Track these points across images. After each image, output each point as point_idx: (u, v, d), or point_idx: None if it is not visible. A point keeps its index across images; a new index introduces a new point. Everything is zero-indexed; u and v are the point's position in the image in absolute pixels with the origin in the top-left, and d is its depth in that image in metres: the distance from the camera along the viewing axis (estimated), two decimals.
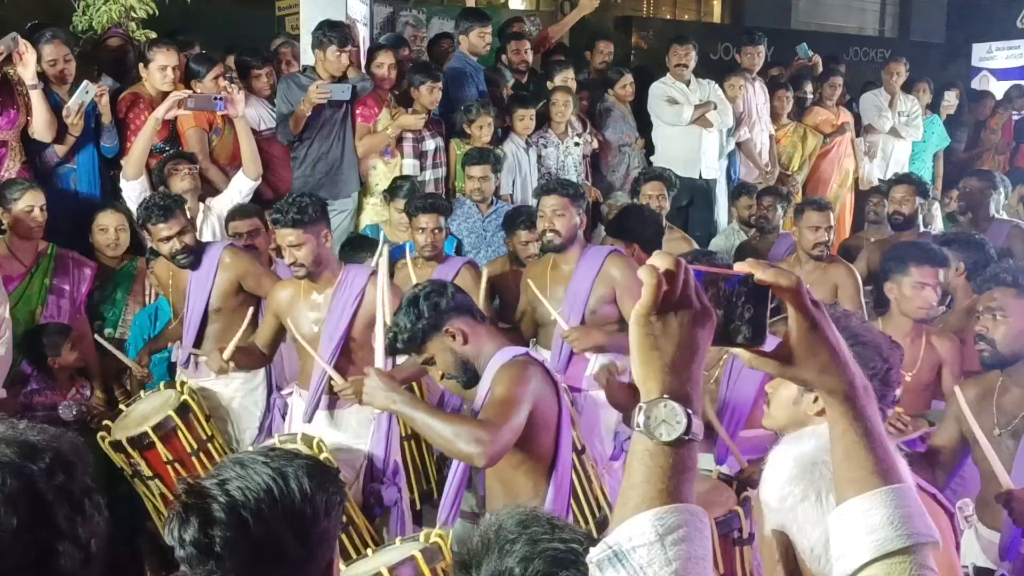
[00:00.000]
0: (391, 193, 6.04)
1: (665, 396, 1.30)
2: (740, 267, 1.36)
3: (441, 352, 3.35)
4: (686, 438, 1.29)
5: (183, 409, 4.56)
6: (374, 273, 4.34)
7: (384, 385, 3.19)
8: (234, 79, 6.03)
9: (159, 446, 4.47)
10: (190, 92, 5.60)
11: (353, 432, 4.43)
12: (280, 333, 4.62)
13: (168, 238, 4.67)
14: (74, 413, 4.83)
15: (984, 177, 6.89)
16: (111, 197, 5.69)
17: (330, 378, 4.28)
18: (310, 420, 4.42)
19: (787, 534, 1.59)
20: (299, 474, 1.92)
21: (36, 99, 5.25)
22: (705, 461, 4.00)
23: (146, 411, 4.64)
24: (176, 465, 4.51)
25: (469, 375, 3.38)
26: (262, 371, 4.93)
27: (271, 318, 4.60)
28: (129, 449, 4.47)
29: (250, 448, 4.04)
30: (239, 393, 4.87)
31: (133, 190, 5.46)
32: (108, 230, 5.40)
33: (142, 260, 5.46)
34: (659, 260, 1.30)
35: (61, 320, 5.12)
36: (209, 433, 4.67)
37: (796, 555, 1.59)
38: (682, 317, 1.30)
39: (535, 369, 3.28)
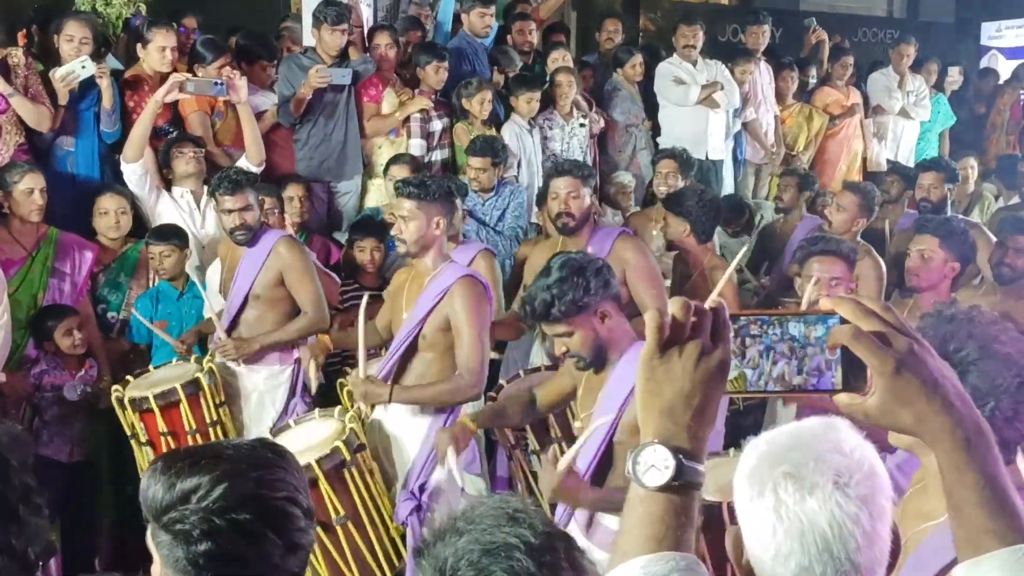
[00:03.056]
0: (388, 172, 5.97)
1: (655, 440, 1.26)
2: (824, 304, 1.27)
3: (585, 331, 3.28)
4: (675, 484, 1.25)
5: (193, 385, 4.55)
6: (466, 276, 4.15)
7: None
8: (240, 65, 5.97)
9: (157, 414, 4.48)
10: (189, 75, 5.53)
11: (400, 430, 4.29)
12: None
13: (230, 211, 4.66)
14: (78, 392, 4.84)
15: None
16: (113, 181, 5.63)
17: (396, 368, 4.23)
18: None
19: (740, 530, 1.54)
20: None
21: (18, 104, 5.19)
22: None
23: (162, 377, 4.67)
24: (169, 438, 4.53)
25: (598, 361, 3.33)
26: (288, 371, 4.89)
27: (387, 300, 4.53)
28: (129, 409, 4.50)
29: (318, 419, 4.14)
30: (260, 387, 4.84)
31: (134, 172, 5.42)
32: (109, 213, 5.35)
33: (144, 244, 5.41)
34: (673, 305, 1.27)
35: (63, 303, 5.08)
36: (215, 418, 4.64)
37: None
38: (686, 361, 1.26)
39: None
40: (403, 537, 4.16)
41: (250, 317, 4.82)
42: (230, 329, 4.82)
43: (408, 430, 4.28)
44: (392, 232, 4.30)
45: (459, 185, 5.10)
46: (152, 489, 1.77)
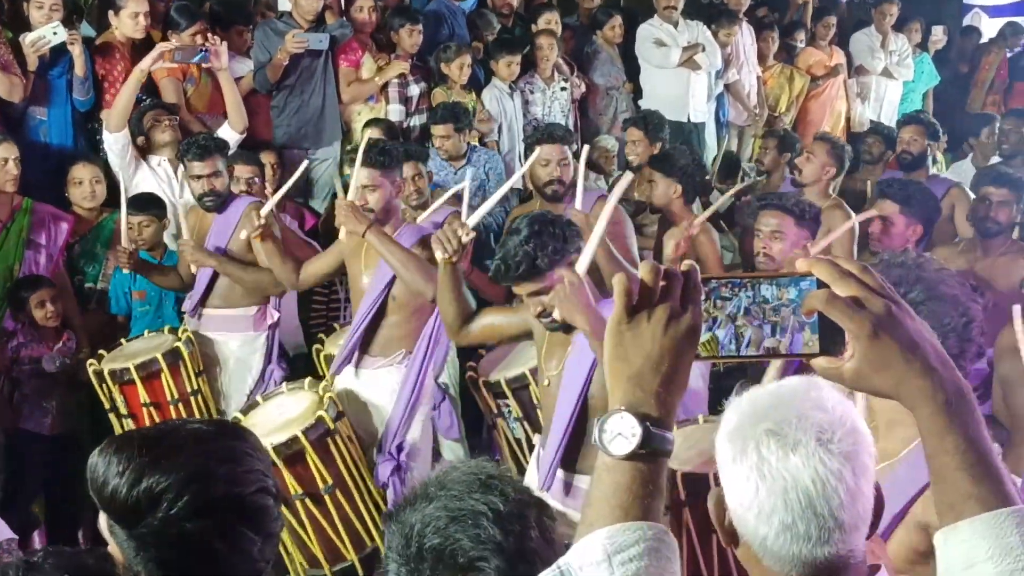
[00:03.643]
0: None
1: (622, 408, 1.23)
2: (800, 266, 1.24)
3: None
4: (642, 452, 1.22)
5: (173, 355, 4.55)
6: (427, 235, 4.14)
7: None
8: (215, 31, 5.89)
9: (139, 385, 4.48)
10: (177, 44, 5.46)
11: (373, 396, 4.34)
12: (330, 273, 4.59)
13: (199, 177, 4.70)
14: (56, 364, 4.79)
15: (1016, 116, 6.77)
16: (88, 150, 5.57)
17: (363, 334, 4.25)
18: (337, 372, 4.37)
19: (722, 491, 1.51)
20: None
21: None
22: None
23: (139, 349, 4.64)
24: (152, 408, 4.53)
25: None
26: (263, 337, 4.90)
27: (334, 256, 4.48)
28: (109, 382, 4.48)
29: (287, 393, 4.17)
30: (236, 353, 4.85)
31: (117, 142, 5.33)
32: (83, 182, 5.27)
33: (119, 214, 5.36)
34: (643, 269, 1.25)
35: (39, 275, 5.03)
36: (195, 387, 4.65)
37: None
38: (655, 326, 1.23)
39: None
40: (384, 500, 4.20)
41: (224, 283, 4.83)
42: (204, 296, 4.84)
43: (380, 391, 4.33)
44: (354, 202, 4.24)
45: (417, 149, 5.14)
46: (109, 482, 1.65)
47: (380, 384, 4.33)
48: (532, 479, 3.56)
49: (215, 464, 1.71)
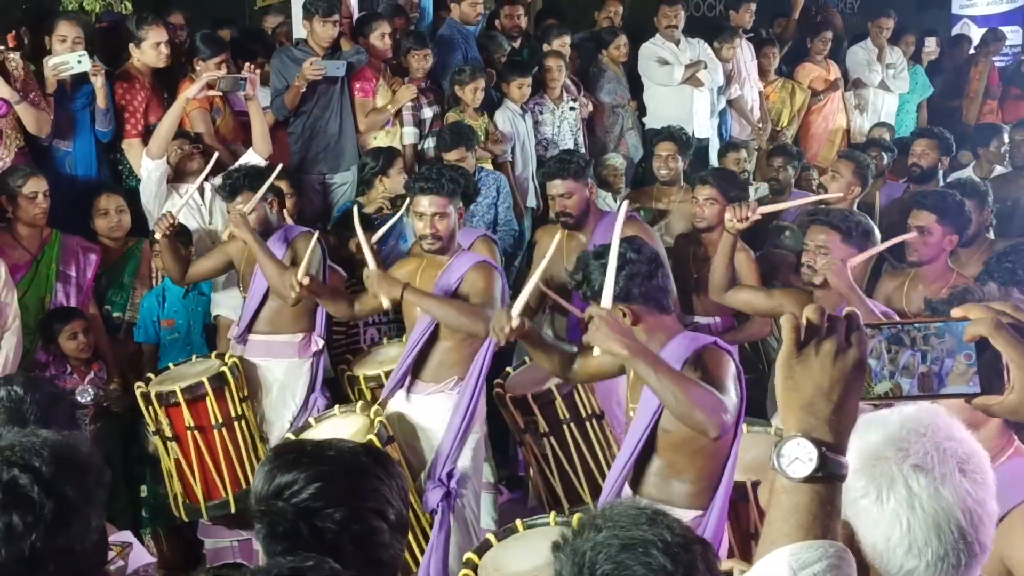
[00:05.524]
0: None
1: (798, 434, 1.32)
2: (956, 312, 1.33)
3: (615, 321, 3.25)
4: (819, 476, 1.30)
5: (219, 379, 4.62)
6: (482, 262, 4.30)
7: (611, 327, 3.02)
8: (235, 61, 5.96)
9: (184, 408, 4.55)
10: (221, 73, 5.53)
11: (425, 421, 4.36)
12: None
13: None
14: (90, 397, 4.83)
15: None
16: (110, 180, 5.62)
17: (416, 359, 4.30)
18: (389, 396, 4.41)
19: (851, 526, 1.54)
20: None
21: (22, 111, 5.14)
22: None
23: (186, 373, 4.72)
24: (196, 432, 4.60)
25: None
26: (308, 364, 4.93)
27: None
28: (156, 404, 4.55)
29: (339, 415, 4.23)
30: (280, 379, 4.90)
31: (157, 169, 5.39)
32: (109, 213, 5.33)
33: (146, 242, 5.41)
34: (808, 310, 1.34)
35: (70, 307, 5.07)
36: (239, 412, 4.72)
37: (859, 548, 1.55)
38: (824, 359, 1.32)
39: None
40: (430, 525, 4.23)
41: (271, 310, 4.89)
42: (251, 324, 4.90)
43: (431, 417, 4.34)
44: (421, 232, 4.29)
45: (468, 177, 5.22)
46: (258, 477, 1.90)
47: (431, 410, 4.34)
48: None
49: (342, 472, 1.89)
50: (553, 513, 3.24)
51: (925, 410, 1.52)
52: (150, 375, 4.73)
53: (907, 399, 1.37)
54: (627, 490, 3.39)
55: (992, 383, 1.32)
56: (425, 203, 4.20)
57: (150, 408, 4.57)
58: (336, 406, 4.50)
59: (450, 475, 4.20)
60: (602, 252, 3.35)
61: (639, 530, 1.51)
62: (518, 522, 3.14)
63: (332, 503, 1.86)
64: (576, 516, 2.78)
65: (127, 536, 2.65)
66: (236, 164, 5.52)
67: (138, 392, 4.57)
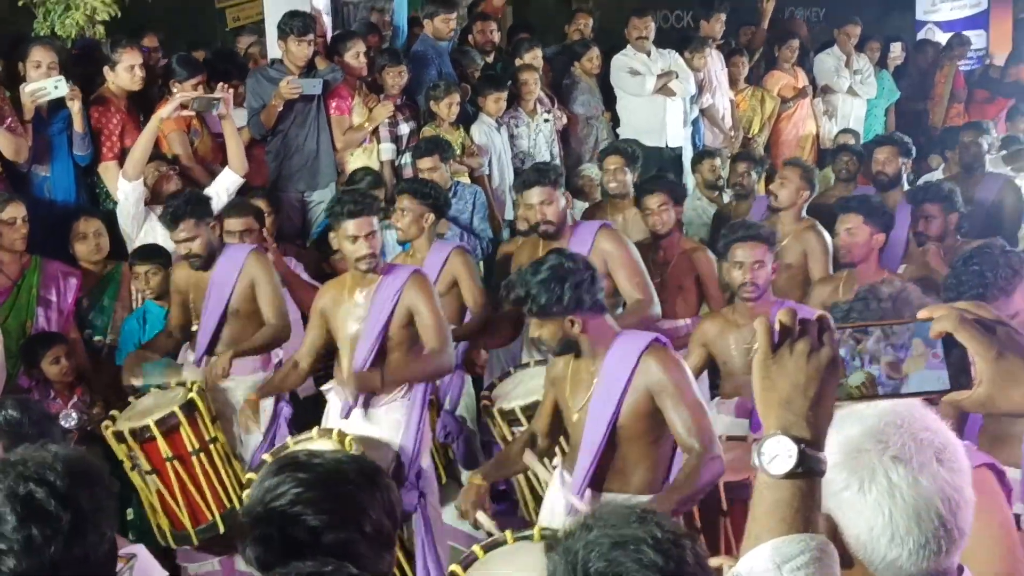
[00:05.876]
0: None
1: (778, 431, 1.37)
2: (922, 313, 1.38)
3: (554, 329, 3.46)
4: (799, 471, 1.35)
5: (189, 407, 4.56)
6: (417, 271, 4.45)
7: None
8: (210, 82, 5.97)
9: (160, 441, 4.49)
10: (196, 94, 5.55)
11: (386, 432, 4.42)
12: (329, 338, 4.54)
13: (178, 242, 4.81)
14: (74, 421, 4.79)
15: (972, 128, 7.04)
16: (88, 204, 5.63)
17: None
18: (347, 417, 4.42)
19: (833, 519, 1.58)
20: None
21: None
22: (740, 428, 4.11)
23: (153, 405, 4.66)
24: (175, 462, 4.54)
25: (566, 350, 3.54)
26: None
27: (317, 320, 4.55)
28: (130, 441, 4.49)
29: (316, 439, 4.19)
30: (248, 395, 4.83)
31: (135, 191, 5.40)
32: (88, 237, 5.33)
33: (125, 265, 5.40)
34: (781, 313, 1.39)
35: (51, 331, 5.06)
36: (213, 435, 4.67)
37: (843, 540, 1.58)
38: (798, 357, 1.37)
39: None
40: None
41: (230, 333, 4.89)
42: (209, 348, 4.88)
43: (388, 427, 4.42)
44: (358, 253, 4.33)
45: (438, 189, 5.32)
46: (252, 488, 2.01)
47: (388, 419, 4.43)
48: (556, 502, 3.69)
49: (319, 484, 1.95)
50: (538, 526, 3.28)
51: (901, 403, 1.55)
52: (113, 412, 4.64)
53: (879, 398, 1.42)
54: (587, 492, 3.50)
55: (960, 379, 1.36)
56: (354, 226, 4.26)
57: (123, 445, 4.51)
58: (315, 429, 4.43)
59: (419, 476, 4.35)
60: (538, 267, 3.44)
61: (629, 528, 1.55)
62: (507, 533, 3.17)
63: (309, 510, 1.91)
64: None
65: (136, 548, 2.67)
66: (213, 183, 5.55)
67: (108, 432, 4.50)
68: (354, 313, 4.41)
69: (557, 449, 4.11)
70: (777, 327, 1.38)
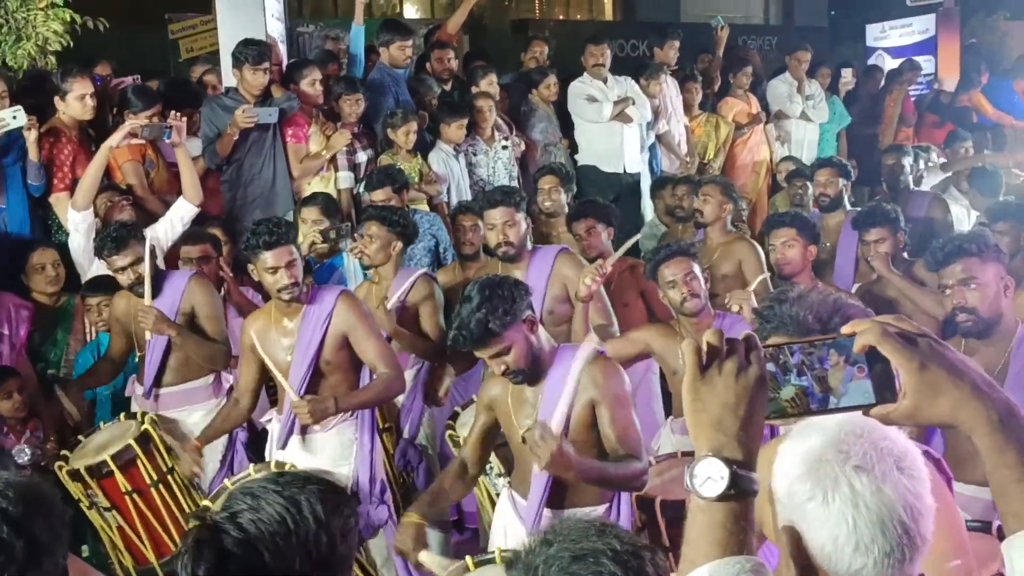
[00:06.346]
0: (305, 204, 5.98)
1: (708, 453, 1.37)
2: (845, 329, 1.39)
3: (520, 343, 3.42)
4: (732, 493, 1.34)
5: (144, 439, 4.51)
6: (344, 292, 4.41)
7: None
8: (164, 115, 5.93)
9: (118, 476, 4.42)
10: (145, 122, 5.48)
11: (330, 456, 4.36)
12: (264, 371, 4.42)
13: (123, 268, 4.70)
14: (27, 457, 4.68)
15: (894, 150, 7.19)
16: (41, 235, 5.54)
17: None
18: (284, 446, 4.36)
19: (797, 530, 1.59)
20: (312, 500, 1.87)
21: None
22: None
23: (105, 440, 4.58)
24: (135, 496, 4.47)
25: (536, 370, 3.49)
26: (223, 403, 4.86)
27: (249, 355, 4.45)
28: (87, 478, 4.42)
29: (254, 475, 4.00)
30: (201, 423, 4.80)
31: (84, 221, 5.34)
32: (46, 267, 5.26)
33: (78, 297, 5.32)
34: (707, 334, 1.40)
35: (3, 365, 4.96)
36: (169, 465, 4.61)
37: (807, 551, 1.58)
38: (727, 377, 1.37)
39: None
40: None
41: (177, 360, 4.89)
42: (157, 378, 4.85)
43: (337, 448, 4.38)
44: (278, 284, 4.24)
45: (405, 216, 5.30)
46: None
47: (336, 441, 4.38)
48: (508, 523, 3.67)
49: (270, 510, 1.86)
50: (498, 548, 3.25)
51: (856, 416, 1.55)
52: (66, 452, 4.55)
53: (811, 414, 1.42)
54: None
55: (884, 393, 1.37)
56: (273, 257, 4.17)
57: (79, 484, 4.42)
58: (251, 465, 4.31)
59: (383, 491, 4.35)
60: (466, 301, 3.43)
61: (589, 541, 1.54)
62: (468, 559, 3.14)
63: (243, 524, 1.85)
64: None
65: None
66: (167, 213, 5.50)
67: (62, 472, 4.41)
68: (282, 343, 4.35)
69: (500, 467, 4.11)
70: (704, 348, 1.39)
